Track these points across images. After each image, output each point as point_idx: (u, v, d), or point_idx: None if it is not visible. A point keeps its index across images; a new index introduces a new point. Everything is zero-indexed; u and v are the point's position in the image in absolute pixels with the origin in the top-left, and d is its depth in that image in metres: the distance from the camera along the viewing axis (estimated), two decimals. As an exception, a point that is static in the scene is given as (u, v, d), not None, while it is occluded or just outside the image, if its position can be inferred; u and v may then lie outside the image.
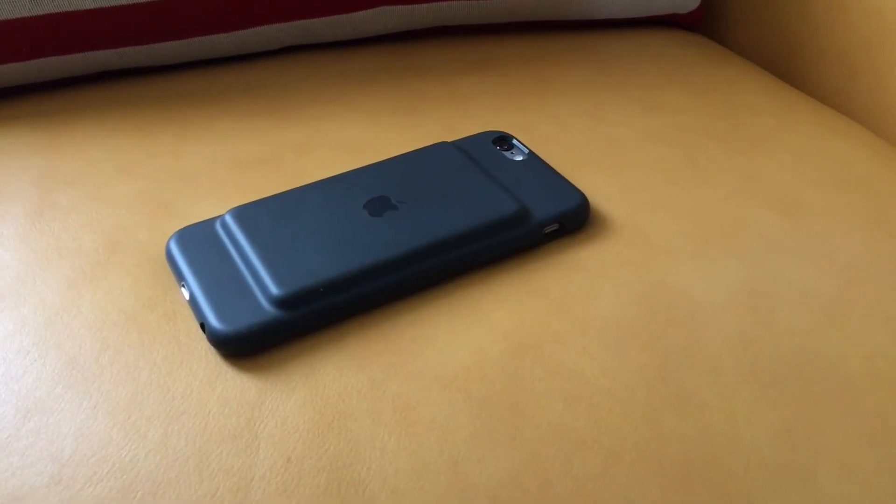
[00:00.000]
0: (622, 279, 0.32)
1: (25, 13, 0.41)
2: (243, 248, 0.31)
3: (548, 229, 0.33)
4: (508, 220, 0.32)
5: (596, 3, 0.50)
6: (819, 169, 0.38)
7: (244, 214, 0.32)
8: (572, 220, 0.33)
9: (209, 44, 0.46)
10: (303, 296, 0.29)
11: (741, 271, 0.32)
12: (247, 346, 0.28)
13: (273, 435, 0.26)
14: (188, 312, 0.30)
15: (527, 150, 0.36)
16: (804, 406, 0.27)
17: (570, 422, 0.26)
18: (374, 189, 0.33)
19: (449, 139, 0.39)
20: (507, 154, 0.36)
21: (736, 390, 0.27)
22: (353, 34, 0.48)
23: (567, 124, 0.41)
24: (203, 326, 0.28)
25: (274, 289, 0.29)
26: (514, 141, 0.37)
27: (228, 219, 0.32)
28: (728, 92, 0.45)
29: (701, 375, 0.28)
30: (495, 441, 0.26)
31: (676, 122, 0.41)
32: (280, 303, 0.28)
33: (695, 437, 0.26)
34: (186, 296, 0.30)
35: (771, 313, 0.30)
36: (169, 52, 0.45)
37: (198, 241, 0.31)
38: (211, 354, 0.28)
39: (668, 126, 0.41)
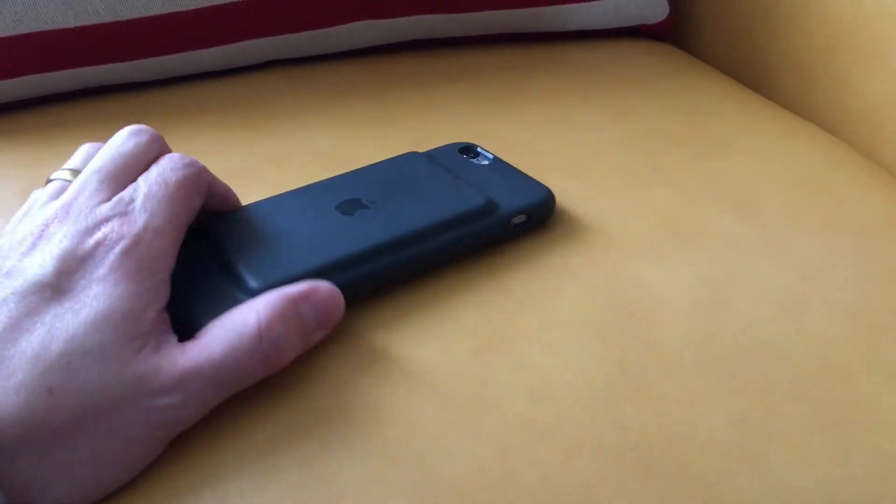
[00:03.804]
0: (586, 278, 0.33)
1: (9, 32, 0.43)
2: (221, 249, 0.32)
3: (516, 220, 0.34)
4: (477, 212, 0.33)
5: (567, 16, 0.52)
6: (777, 169, 0.40)
7: (221, 220, 0.33)
8: (539, 211, 0.35)
9: (191, 59, 0.47)
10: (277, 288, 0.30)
11: (701, 268, 0.33)
12: None
13: (244, 432, 0.27)
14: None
15: (492, 156, 0.38)
16: (759, 395, 0.28)
17: (535, 414, 0.27)
18: (347, 193, 0.35)
19: (423, 148, 0.40)
20: (473, 161, 0.38)
21: (694, 381, 0.28)
22: (332, 48, 0.50)
23: (537, 130, 0.42)
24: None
25: (251, 282, 0.30)
26: (479, 149, 0.38)
27: (206, 224, 0.33)
28: (692, 98, 0.46)
29: (660, 368, 0.29)
30: (461, 434, 0.27)
31: (642, 128, 0.43)
32: (256, 295, 0.29)
33: (653, 426, 0.27)
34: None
35: (729, 308, 0.31)
36: (151, 68, 0.46)
37: None
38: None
39: (634, 131, 0.42)
